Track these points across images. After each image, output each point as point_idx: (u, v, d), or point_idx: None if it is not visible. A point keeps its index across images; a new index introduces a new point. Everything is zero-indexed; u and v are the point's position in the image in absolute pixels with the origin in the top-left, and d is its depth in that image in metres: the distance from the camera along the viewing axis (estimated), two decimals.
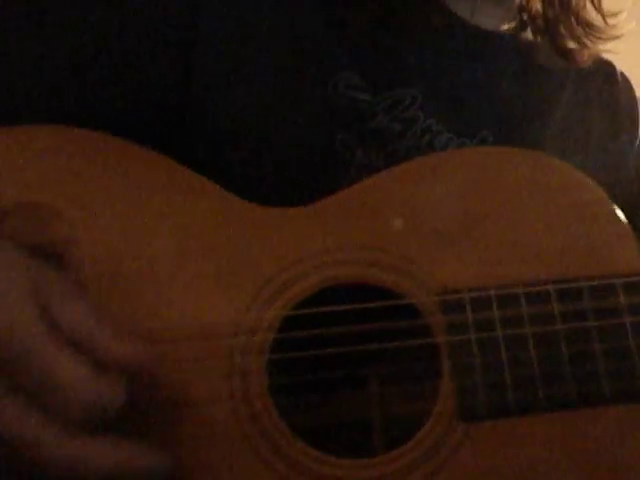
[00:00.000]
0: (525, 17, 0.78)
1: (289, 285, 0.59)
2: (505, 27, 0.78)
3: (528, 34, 0.79)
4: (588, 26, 0.78)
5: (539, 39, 0.79)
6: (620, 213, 0.60)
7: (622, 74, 0.84)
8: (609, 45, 0.80)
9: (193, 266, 0.59)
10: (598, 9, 0.78)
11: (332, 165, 0.64)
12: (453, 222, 0.60)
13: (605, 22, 0.78)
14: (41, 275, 0.52)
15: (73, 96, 0.65)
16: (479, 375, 0.56)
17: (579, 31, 0.77)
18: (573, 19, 0.77)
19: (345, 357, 0.58)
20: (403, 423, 0.59)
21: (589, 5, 0.78)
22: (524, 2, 0.77)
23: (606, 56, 0.82)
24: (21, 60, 0.65)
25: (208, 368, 0.56)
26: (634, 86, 0.86)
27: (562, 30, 0.77)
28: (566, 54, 0.78)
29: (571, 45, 0.78)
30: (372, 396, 0.63)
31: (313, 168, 0.64)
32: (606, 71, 0.83)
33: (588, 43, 0.78)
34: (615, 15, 0.79)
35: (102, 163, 0.62)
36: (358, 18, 0.68)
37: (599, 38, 0.78)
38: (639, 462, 0.55)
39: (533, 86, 0.76)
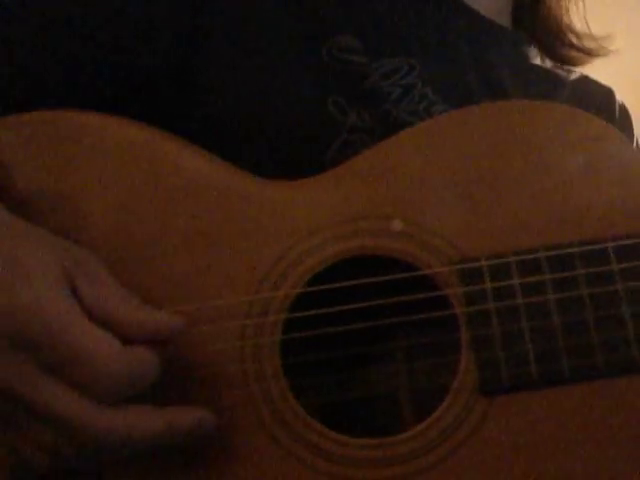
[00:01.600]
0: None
1: (301, 261, 0.57)
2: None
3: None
4: (582, 39, 0.81)
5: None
6: None
7: (621, 104, 0.82)
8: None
9: (203, 248, 0.58)
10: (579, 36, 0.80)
11: (325, 127, 0.63)
12: (469, 185, 0.57)
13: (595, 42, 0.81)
14: (69, 257, 0.52)
15: (74, 68, 0.64)
16: (499, 347, 0.53)
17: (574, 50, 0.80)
18: (571, 37, 0.80)
19: (362, 333, 0.56)
20: (432, 396, 0.57)
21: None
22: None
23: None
24: (21, 29, 0.63)
25: (221, 351, 0.56)
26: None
27: (559, 49, 0.80)
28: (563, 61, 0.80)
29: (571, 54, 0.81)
30: (397, 370, 0.61)
31: (306, 130, 0.63)
32: (605, 95, 0.82)
33: (584, 59, 0.81)
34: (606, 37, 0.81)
35: (107, 146, 0.61)
36: None
37: (593, 55, 0.81)
38: None
39: (527, 83, 0.74)
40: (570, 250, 0.54)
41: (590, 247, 0.54)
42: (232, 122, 0.64)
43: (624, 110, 0.82)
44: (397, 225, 0.56)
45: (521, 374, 0.53)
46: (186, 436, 0.51)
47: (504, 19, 0.78)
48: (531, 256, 0.54)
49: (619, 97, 0.82)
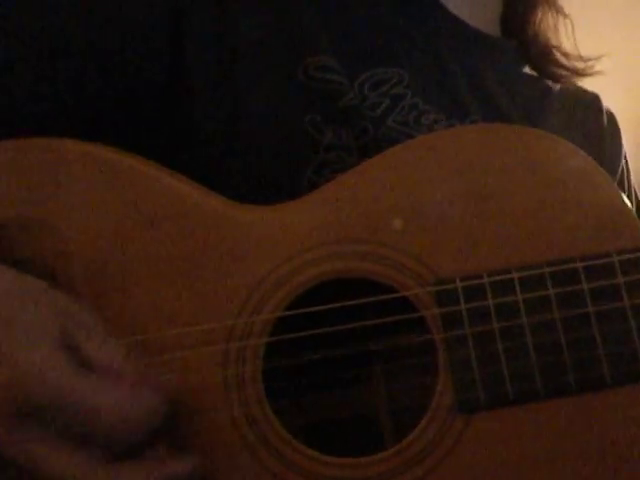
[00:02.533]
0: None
1: (280, 285, 0.58)
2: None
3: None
4: (570, 59, 0.82)
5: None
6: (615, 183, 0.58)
7: (608, 110, 0.83)
8: None
9: (183, 273, 0.59)
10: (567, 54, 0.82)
11: (301, 146, 0.64)
12: (439, 206, 0.58)
13: (582, 61, 0.82)
14: (67, 314, 0.53)
15: (58, 85, 0.64)
16: (476, 368, 0.55)
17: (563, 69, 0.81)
18: (559, 56, 0.81)
19: (343, 354, 0.57)
20: (413, 416, 0.58)
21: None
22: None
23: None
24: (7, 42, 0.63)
25: (203, 376, 0.57)
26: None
27: (550, 67, 0.81)
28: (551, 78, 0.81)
29: (559, 72, 0.82)
30: (377, 391, 0.62)
31: (284, 150, 0.64)
32: (593, 101, 0.83)
33: (572, 77, 0.82)
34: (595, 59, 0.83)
35: (87, 172, 0.61)
36: None
37: (580, 75, 0.82)
38: None
39: (516, 91, 0.75)
40: (541, 270, 0.56)
41: (560, 267, 0.56)
42: (211, 143, 0.64)
43: (612, 117, 0.83)
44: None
45: (497, 394, 0.54)
46: None
47: (491, 29, 0.78)
48: (504, 277, 0.56)
49: (605, 104, 0.83)
